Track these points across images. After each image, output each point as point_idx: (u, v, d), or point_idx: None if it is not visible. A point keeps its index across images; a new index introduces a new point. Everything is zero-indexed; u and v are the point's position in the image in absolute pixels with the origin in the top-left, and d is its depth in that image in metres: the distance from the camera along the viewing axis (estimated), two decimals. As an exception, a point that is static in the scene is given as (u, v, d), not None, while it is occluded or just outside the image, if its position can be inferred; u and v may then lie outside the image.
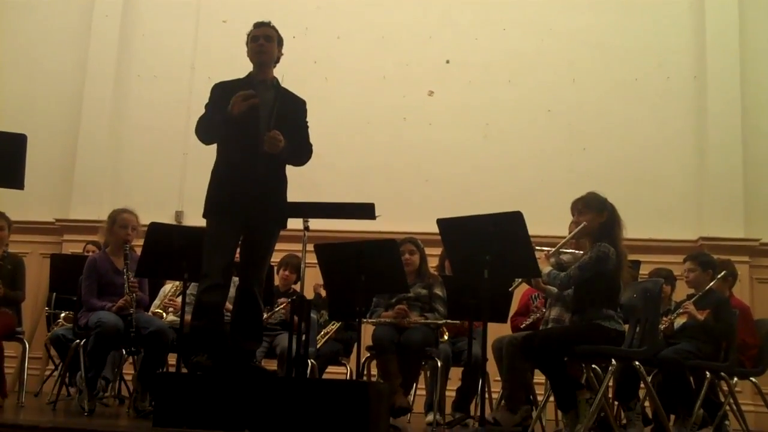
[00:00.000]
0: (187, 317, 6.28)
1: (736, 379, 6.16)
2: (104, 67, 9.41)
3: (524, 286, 6.14)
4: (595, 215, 5.19)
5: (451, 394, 6.52)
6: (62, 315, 7.16)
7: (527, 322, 6.44)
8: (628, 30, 9.09)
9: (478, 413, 5.28)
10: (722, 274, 6.35)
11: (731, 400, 6.16)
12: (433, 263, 6.70)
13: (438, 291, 6.29)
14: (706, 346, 5.94)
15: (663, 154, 8.85)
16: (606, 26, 9.11)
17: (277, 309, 6.72)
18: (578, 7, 9.18)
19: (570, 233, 5.45)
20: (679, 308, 6.24)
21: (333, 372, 7.05)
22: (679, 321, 6.17)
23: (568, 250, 5.47)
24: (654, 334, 5.29)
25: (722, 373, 6.02)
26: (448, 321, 6.22)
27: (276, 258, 5.53)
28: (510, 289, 5.95)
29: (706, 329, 6.00)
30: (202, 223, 5.13)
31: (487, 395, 6.13)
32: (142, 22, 9.60)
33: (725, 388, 6.18)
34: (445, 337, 6.47)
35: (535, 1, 9.26)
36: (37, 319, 8.12)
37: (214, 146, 5.24)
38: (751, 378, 6.35)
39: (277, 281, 6.95)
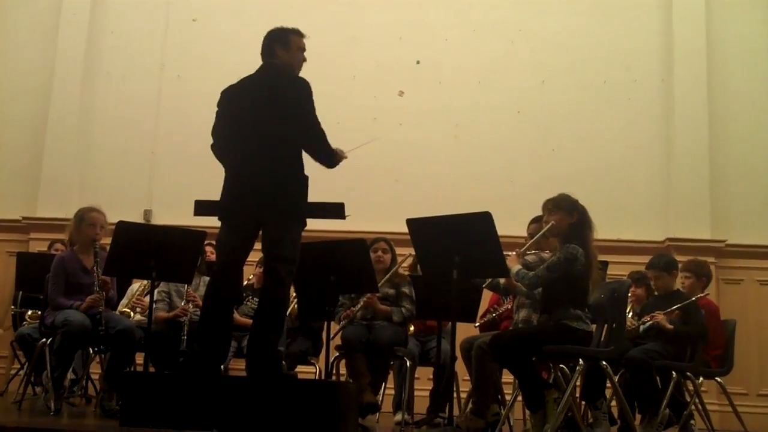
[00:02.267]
0: (160, 314, 6.28)
1: (701, 378, 6.22)
2: (72, 65, 9.32)
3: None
4: (565, 216, 5.22)
5: (419, 393, 6.53)
6: (28, 314, 7.10)
7: (484, 320, 6.47)
8: (597, 33, 9.17)
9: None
10: (706, 293, 6.43)
11: (697, 400, 6.21)
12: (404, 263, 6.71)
13: (406, 290, 6.31)
14: (672, 346, 5.99)
15: (630, 155, 8.93)
16: (575, 29, 9.17)
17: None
18: (548, 10, 9.24)
19: (529, 235, 5.52)
20: (645, 317, 6.24)
21: (302, 371, 7.03)
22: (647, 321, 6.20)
23: (532, 251, 5.51)
24: (621, 334, 5.33)
25: (688, 373, 6.07)
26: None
27: (254, 257, 5.51)
28: (484, 286, 6.00)
29: (675, 334, 6.03)
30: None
31: (455, 395, 6.15)
32: (111, 20, 9.51)
33: (691, 387, 6.23)
34: (411, 329, 6.50)
35: (506, 3, 9.31)
36: (2, 318, 8.04)
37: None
38: (716, 378, 6.42)
39: (253, 280, 6.95)
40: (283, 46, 5.18)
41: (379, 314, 6.20)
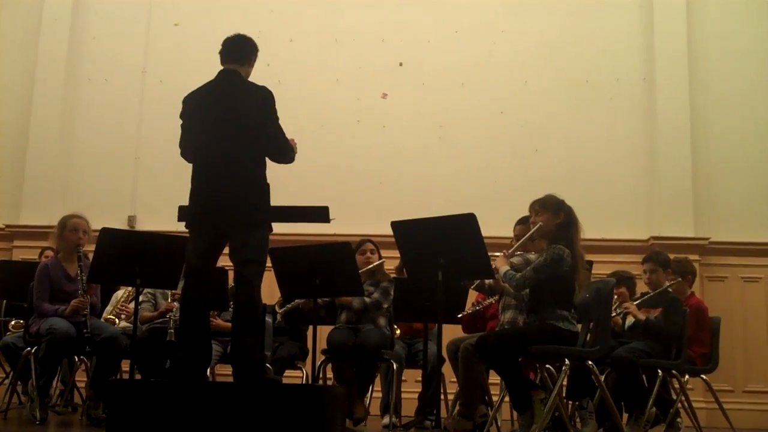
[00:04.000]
0: (145, 314, 6.26)
1: (687, 376, 6.24)
2: (54, 70, 9.26)
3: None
4: (551, 216, 5.23)
5: (406, 396, 6.53)
6: (11, 323, 7.05)
7: (465, 313, 6.41)
8: (578, 32, 9.19)
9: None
10: (677, 281, 6.45)
11: (683, 398, 6.24)
12: (388, 266, 6.71)
13: (384, 284, 6.28)
14: (657, 344, 6.01)
15: (613, 154, 8.96)
16: (557, 29, 9.20)
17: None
18: (530, 10, 9.25)
19: (515, 237, 5.53)
20: (620, 308, 6.28)
21: (289, 376, 7.02)
22: (631, 320, 6.23)
23: (517, 252, 5.52)
24: (606, 334, 5.34)
25: (674, 371, 6.09)
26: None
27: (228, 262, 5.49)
28: (472, 288, 6.02)
29: (653, 328, 6.06)
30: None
31: (442, 396, 6.16)
32: (93, 25, 9.46)
33: (677, 385, 6.26)
34: (397, 332, 6.51)
35: (487, 4, 9.31)
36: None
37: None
38: (702, 375, 6.44)
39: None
40: (255, 60, 5.26)
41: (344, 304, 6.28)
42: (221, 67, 5.19)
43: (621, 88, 9.08)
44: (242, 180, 4.93)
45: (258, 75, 5.27)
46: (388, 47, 9.23)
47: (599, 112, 9.05)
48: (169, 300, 6.39)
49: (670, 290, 6.32)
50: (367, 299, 6.21)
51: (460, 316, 6.43)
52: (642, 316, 6.10)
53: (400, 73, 9.21)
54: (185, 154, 5.17)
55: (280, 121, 5.13)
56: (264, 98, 5.05)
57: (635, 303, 6.31)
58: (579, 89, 9.07)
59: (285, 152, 5.14)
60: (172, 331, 6.06)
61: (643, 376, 5.93)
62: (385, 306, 6.24)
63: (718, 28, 9.11)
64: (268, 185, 5.04)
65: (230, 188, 4.89)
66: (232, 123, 4.96)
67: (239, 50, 5.19)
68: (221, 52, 5.20)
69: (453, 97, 9.10)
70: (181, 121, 5.20)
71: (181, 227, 5.31)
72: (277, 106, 5.12)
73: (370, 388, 6.30)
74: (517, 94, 9.09)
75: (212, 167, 4.96)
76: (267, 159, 5.09)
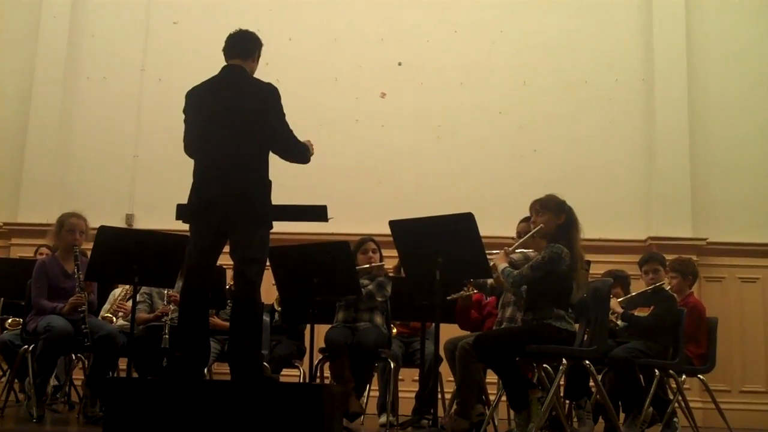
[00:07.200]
0: (141, 315, 6.25)
1: (684, 376, 6.25)
2: (53, 68, 9.26)
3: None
4: (552, 216, 5.23)
5: (403, 395, 6.53)
6: (9, 321, 7.05)
7: (454, 296, 6.34)
8: (578, 33, 9.19)
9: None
10: (662, 283, 6.47)
11: (680, 398, 6.25)
12: (386, 265, 6.71)
13: (381, 278, 6.26)
14: (654, 344, 6.02)
15: (612, 155, 8.96)
16: (556, 29, 9.20)
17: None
18: (529, 10, 9.25)
19: (518, 234, 5.53)
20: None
21: (286, 374, 7.03)
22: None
23: (518, 250, 5.52)
24: (603, 334, 5.35)
25: (671, 371, 6.10)
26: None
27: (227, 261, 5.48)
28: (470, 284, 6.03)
29: (646, 327, 6.08)
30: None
31: (440, 395, 6.16)
32: (91, 22, 9.47)
33: (674, 385, 6.26)
34: (394, 331, 6.49)
35: (487, 4, 9.31)
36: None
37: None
38: (699, 375, 6.45)
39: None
40: (259, 56, 5.24)
41: None
42: (220, 66, 5.18)
43: (620, 89, 9.08)
44: (244, 177, 4.90)
45: (257, 74, 5.27)
46: (387, 47, 9.23)
47: (598, 113, 9.05)
48: (165, 302, 6.37)
49: (667, 288, 6.33)
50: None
51: (449, 298, 6.32)
52: (620, 309, 6.13)
53: (399, 72, 9.21)
54: (188, 150, 5.13)
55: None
56: (269, 94, 5.02)
57: (625, 299, 6.34)
58: (578, 90, 9.07)
59: (290, 149, 5.11)
60: (167, 336, 6.04)
61: (641, 376, 5.94)
62: (379, 299, 6.19)
63: (717, 29, 9.12)
64: (270, 182, 5.01)
65: (232, 184, 4.87)
66: (235, 118, 4.92)
67: (243, 45, 5.15)
68: (225, 49, 5.16)
69: (452, 96, 9.10)
70: (184, 117, 5.16)
71: (179, 225, 5.31)
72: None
73: (367, 386, 6.30)
74: (516, 94, 9.10)
75: (214, 162, 4.93)
76: (273, 156, 5.07)
